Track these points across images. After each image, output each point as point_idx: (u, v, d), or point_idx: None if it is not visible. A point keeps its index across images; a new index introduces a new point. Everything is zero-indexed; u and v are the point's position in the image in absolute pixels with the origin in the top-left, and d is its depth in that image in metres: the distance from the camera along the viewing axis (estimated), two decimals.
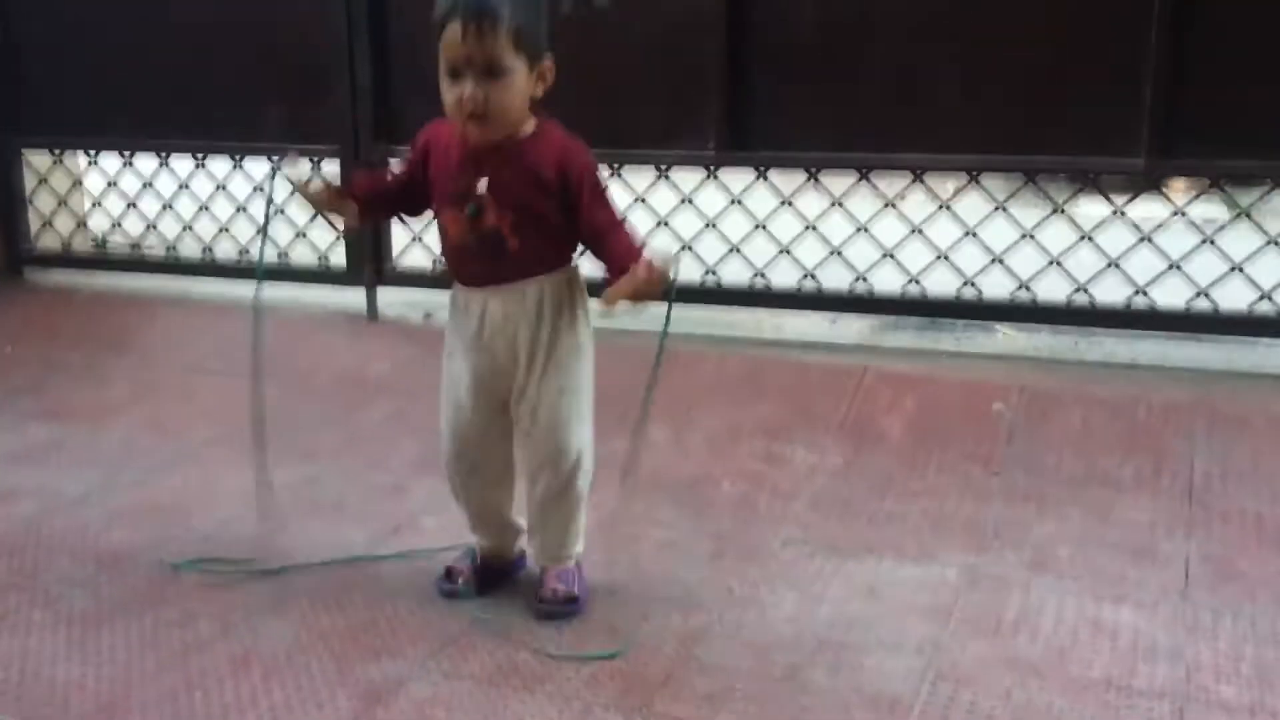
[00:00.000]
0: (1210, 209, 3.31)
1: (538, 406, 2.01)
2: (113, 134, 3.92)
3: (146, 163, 3.96)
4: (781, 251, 3.27)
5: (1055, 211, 3.07)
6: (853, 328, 3.35)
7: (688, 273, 3.35)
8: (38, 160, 4.08)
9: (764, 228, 3.28)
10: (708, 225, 3.33)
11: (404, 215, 2.18)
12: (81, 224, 4.15)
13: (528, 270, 1.96)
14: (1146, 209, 3.15)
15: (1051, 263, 3.04)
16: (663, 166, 3.34)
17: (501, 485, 2.12)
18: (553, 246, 1.98)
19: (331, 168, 3.65)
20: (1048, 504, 2.42)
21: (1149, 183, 3.01)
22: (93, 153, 4.05)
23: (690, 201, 3.33)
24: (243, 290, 3.81)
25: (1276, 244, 2.89)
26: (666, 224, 3.36)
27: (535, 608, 2.07)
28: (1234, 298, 2.93)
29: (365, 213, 2.10)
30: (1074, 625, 1.99)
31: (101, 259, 4.10)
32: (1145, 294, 2.98)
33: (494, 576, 2.16)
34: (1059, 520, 2.35)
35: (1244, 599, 2.06)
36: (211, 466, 2.73)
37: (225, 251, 3.89)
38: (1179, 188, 3.56)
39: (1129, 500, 2.42)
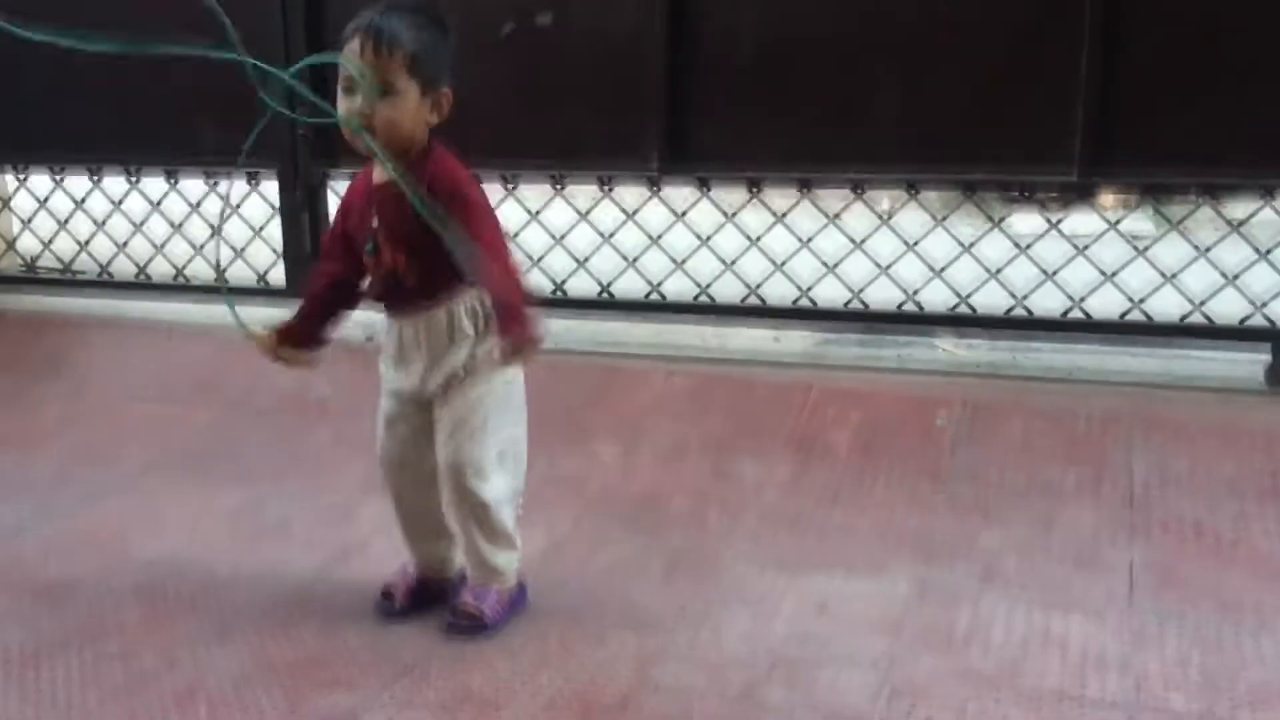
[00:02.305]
0: (1139, 224, 3.39)
1: (451, 424, 2.01)
2: (42, 153, 3.83)
3: (78, 183, 3.87)
4: (726, 268, 3.28)
5: (993, 226, 3.12)
6: (797, 344, 3.37)
7: (631, 289, 3.36)
8: None
9: (707, 244, 3.29)
10: (653, 242, 3.33)
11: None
12: (10, 245, 4.05)
13: (432, 298, 1.99)
14: (1079, 223, 3.22)
15: (991, 276, 3.09)
16: (606, 182, 3.34)
17: (433, 487, 2.09)
18: (448, 274, 1.96)
19: (269, 189, 3.61)
20: (993, 515, 2.45)
21: (1081, 195, 3.08)
22: (20, 172, 3.94)
23: (632, 218, 3.34)
24: (178, 311, 3.75)
25: (1206, 256, 2.96)
26: (610, 241, 3.35)
27: (445, 621, 2.07)
28: (1167, 308, 3.00)
29: (316, 329, 2.08)
30: (1024, 636, 2.02)
31: (31, 279, 4.00)
32: (1081, 306, 3.04)
33: (431, 594, 2.13)
34: (1005, 530, 2.39)
35: (1187, 605, 2.10)
36: (149, 494, 2.67)
37: (160, 271, 3.82)
38: (1109, 203, 3.65)
39: (1072, 509, 2.46)
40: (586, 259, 3.39)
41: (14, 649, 2.03)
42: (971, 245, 3.09)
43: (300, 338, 2.07)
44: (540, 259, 3.41)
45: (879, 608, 2.12)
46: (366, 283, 2.06)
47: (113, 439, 2.98)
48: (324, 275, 2.09)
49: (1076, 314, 3.05)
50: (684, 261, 3.32)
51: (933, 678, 1.90)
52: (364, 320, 3.48)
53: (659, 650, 1.99)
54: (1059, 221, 3.08)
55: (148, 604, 2.17)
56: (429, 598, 2.13)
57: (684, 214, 3.31)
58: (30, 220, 3.97)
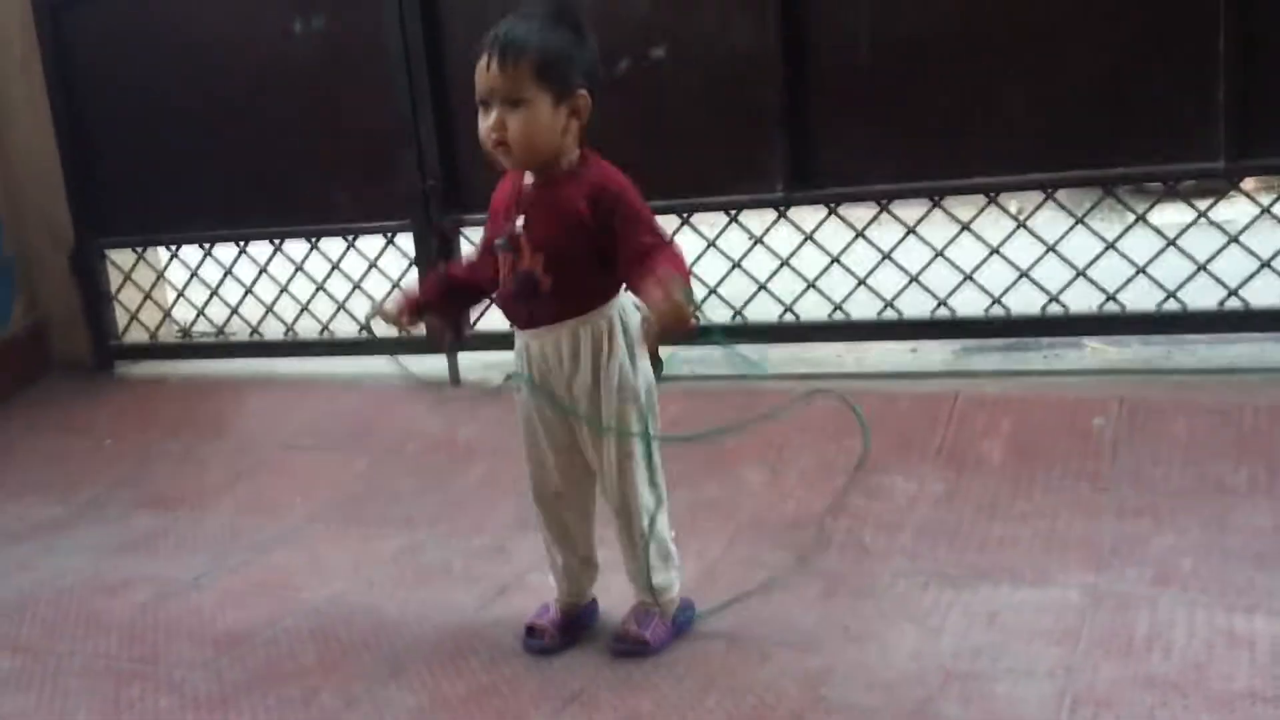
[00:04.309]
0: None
1: (595, 453, 2.03)
2: (192, 226, 4.02)
3: (226, 251, 4.06)
4: (859, 283, 3.25)
5: (1136, 220, 3.02)
6: (935, 354, 3.31)
7: (766, 312, 3.35)
8: (120, 258, 4.20)
9: (839, 261, 3.27)
10: (783, 262, 3.32)
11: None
12: (167, 315, 4.25)
13: (562, 312, 1.97)
14: (1221, 211, 3.09)
15: (1138, 272, 2.98)
16: (732, 210, 3.34)
17: (585, 516, 2.13)
18: (587, 287, 1.97)
19: (405, 243, 3.72)
20: (1162, 516, 2.36)
21: (1229, 185, 2.96)
22: (173, 246, 4.15)
23: (762, 242, 3.34)
24: (326, 366, 3.89)
25: None
26: (740, 266, 3.35)
27: (608, 644, 2.08)
28: None
29: (449, 308, 2.15)
30: (1208, 639, 1.93)
31: (188, 347, 4.19)
32: (1238, 295, 2.92)
33: (574, 627, 2.15)
34: (1177, 532, 2.29)
35: None
36: (315, 541, 2.76)
37: (307, 329, 3.96)
38: (1249, 186, 3.49)
39: (1246, 506, 2.35)
40: (717, 285, 3.40)
41: (202, 693, 2.12)
42: (1116, 240, 3.00)
43: (419, 307, 2.11)
44: None
45: (1051, 617, 2.05)
46: (499, 292, 2.04)
47: (276, 491, 3.10)
48: (465, 267, 2.13)
49: (1233, 305, 2.93)
50: (816, 280, 3.30)
51: (1115, 686, 1.83)
52: (500, 361, 3.59)
53: (826, 669, 1.97)
54: (1209, 209, 2.95)
55: (322, 646, 2.24)
56: (575, 628, 2.15)
57: (812, 233, 3.29)
58: (184, 289, 4.16)
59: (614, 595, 2.21)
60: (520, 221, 1.96)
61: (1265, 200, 2.95)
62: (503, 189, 2.05)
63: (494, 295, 2.09)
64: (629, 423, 2.00)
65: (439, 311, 2.15)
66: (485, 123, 1.91)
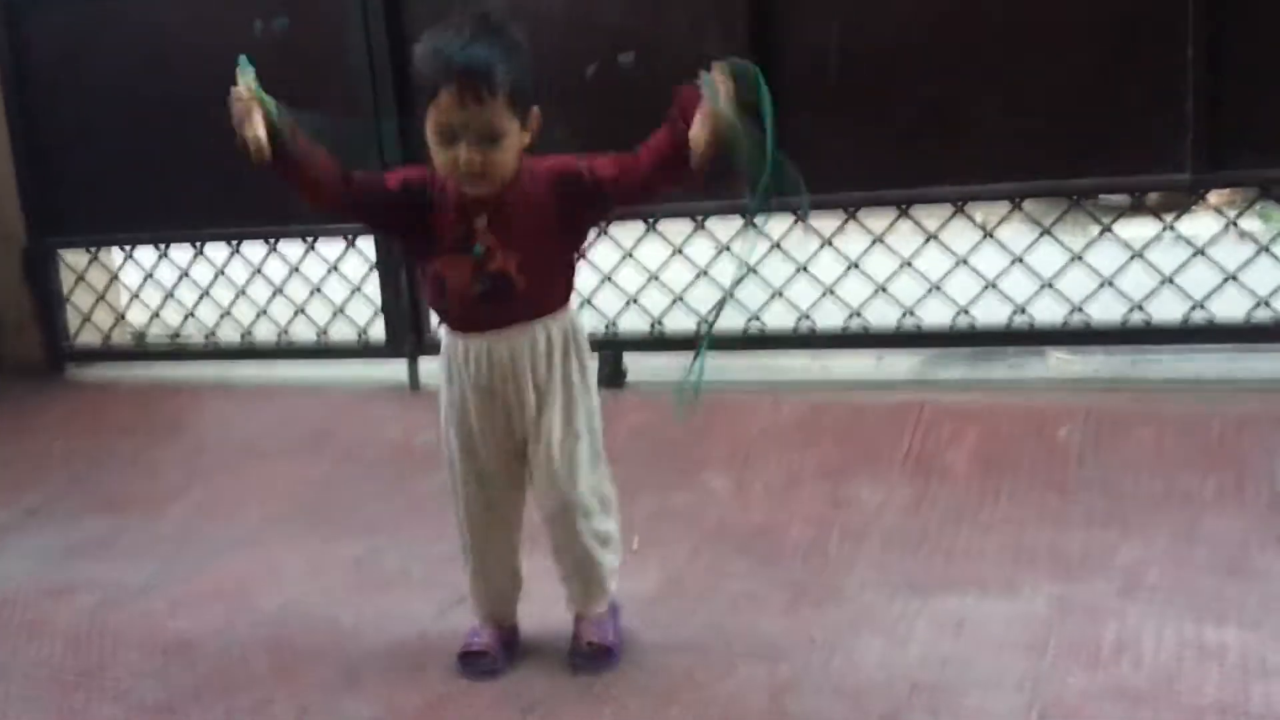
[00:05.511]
0: (1247, 222, 3.25)
1: (550, 451, 1.97)
2: (147, 227, 3.94)
3: (181, 253, 3.97)
4: (826, 292, 3.23)
5: (1102, 231, 3.02)
6: (901, 364, 3.30)
7: (730, 321, 3.32)
8: (73, 258, 4.11)
9: (806, 270, 3.25)
10: (749, 269, 3.28)
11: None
12: (120, 318, 4.16)
13: (533, 311, 1.94)
14: (1187, 225, 3.10)
15: (1104, 283, 2.99)
16: (699, 216, 3.32)
17: (515, 529, 2.08)
18: (557, 285, 1.96)
19: (366, 246, 3.66)
20: (1130, 526, 2.35)
21: (1194, 197, 2.96)
22: (128, 246, 4.07)
23: (729, 249, 3.31)
24: (284, 371, 3.82)
25: None
26: (705, 273, 3.32)
27: (570, 661, 2.02)
28: None
29: (289, 154, 1.84)
30: (1177, 649, 1.92)
31: (141, 351, 4.10)
32: (1204, 308, 2.92)
33: (510, 646, 2.10)
34: (1145, 542, 2.28)
35: None
36: (270, 547, 2.69)
37: (264, 334, 3.89)
38: (1215, 201, 3.51)
39: (1214, 516, 2.34)
40: (681, 294, 3.37)
41: (148, 701, 2.05)
42: (1082, 252, 3.00)
43: (281, 139, 1.83)
44: (636, 294, 3.39)
45: (1018, 627, 2.03)
46: (440, 291, 1.94)
47: (232, 496, 3.02)
48: (352, 177, 1.92)
49: (1198, 317, 2.93)
50: (781, 288, 3.27)
51: (1084, 696, 1.81)
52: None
53: (792, 680, 1.94)
54: (1174, 220, 2.96)
55: (275, 655, 2.18)
56: (511, 648, 2.09)
57: (778, 241, 3.26)
58: (139, 291, 4.08)
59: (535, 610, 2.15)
60: (483, 221, 1.90)
61: (1231, 213, 2.96)
62: (437, 184, 1.91)
63: (440, 299, 1.98)
64: (589, 420, 1.99)
65: (284, 150, 1.84)
66: (453, 155, 1.81)
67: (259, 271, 3.85)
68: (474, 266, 1.91)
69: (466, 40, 1.80)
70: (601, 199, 1.92)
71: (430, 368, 3.60)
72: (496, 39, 1.82)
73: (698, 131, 1.77)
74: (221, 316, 3.94)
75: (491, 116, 1.80)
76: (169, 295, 4.01)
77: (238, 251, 3.87)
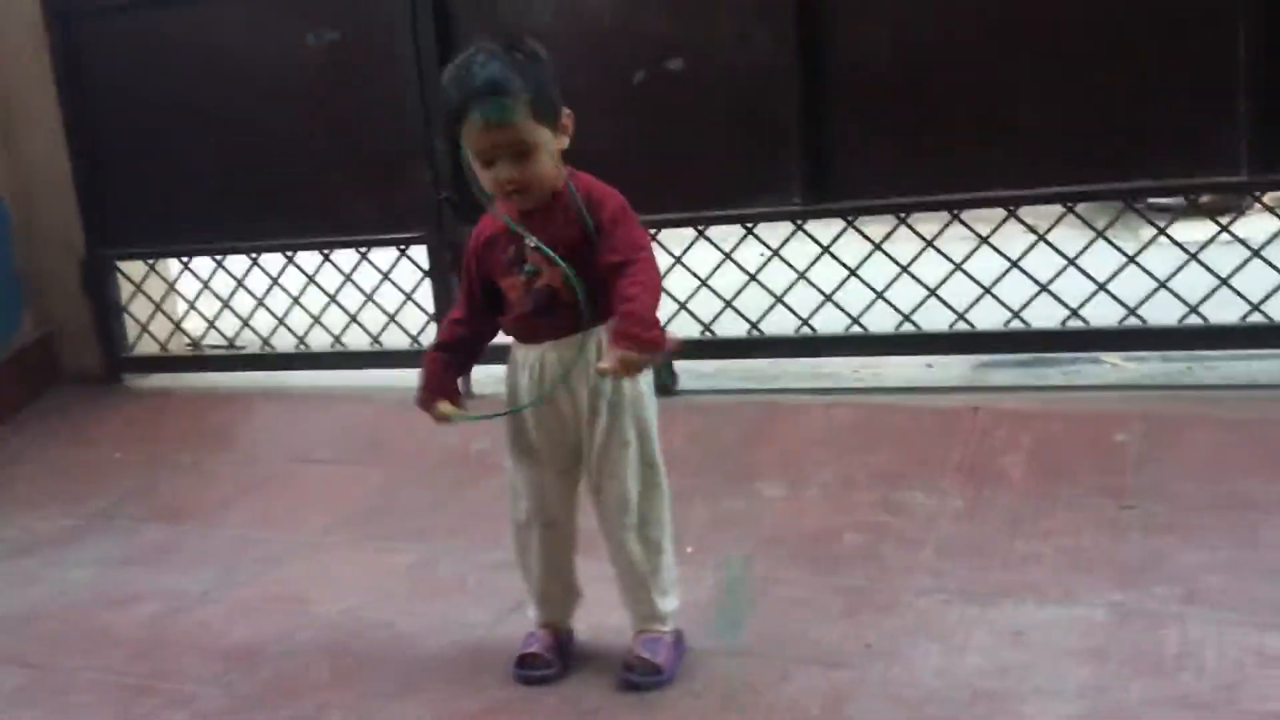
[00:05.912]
0: None
1: (603, 460, 1.99)
2: (203, 238, 3.99)
3: (237, 263, 4.03)
4: (877, 297, 3.22)
5: (1158, 235, 2.99)
6: (953, 369, 3.28)
7: (781, 325, 3.32)
8: (130, 269, 4.18)
9: (856, 275, 3.24)
10: (800, 275, 3.28)
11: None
12: (177, 327, 4.23)
13: (584, 321, 1.96)
14: (1243, 227, 3.05)
15: (1160, 286, 2.95)
16: (748, 224, 3.32)
17: (571, 542, 2.10)
18: (605, 295, 1.95)
19: (419, 255, 3.69)
20: (1190, 533, 2.32)
21: (1251, 198, 2.92)
22: (184, 257, 4.13)
23: (779, 255, 3.31)
24: (339, 379, 3.85)
25: None
26: (756, 279, 3.32)
27: (619, 676, 2.02)
28: None
29: (461, 373, 2.14)
30: (1239, 658, 1.90)
31: (198, 359, 4.16)
32: (1261, 310, 2.88)
33: (565, 653, 2.11)
34: (1205, 549, 2.25)
35: None
36: (327, 554, 2.73)
37: (319, 342, 3.93)
38: (1270, 201, 3.46)
39: (1275, 522, 2.31)
40: (733, 298, 3.37)
41: (211, 709, 2.08)
42: (1137, 255, 2.96)
43: (453, 394, 2.08)
44: (686, 301, 3.40)
45: (1078, 635, 2.02)
46: (510, 312, 2.02)
47: (288, 503, 3.07)
48: (463, 327, 2.08)
49: (1255, 319, 2.89)
50: (833, 294, 3.27)
51: (1145, 705, 1.80)
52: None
53: (849, 687, 1.93)
54: (1230, 223, 2.92)
55: (334, 661, 2.21)
56: (566, 654, 2.10)
57: (829, 246, 3.26)
58: (195, 301, 4.14)
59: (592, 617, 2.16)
60: (532, 242, 1.95)
61: None
62: (482, 232, 2.03)
63: (504, 321, 2.05)
64: (642, 428, 2.01)
65: (451, 386, 2.10)
66: (493, 175, 1.90)
67: (313, 280, 3.90)
68: (525, 284, 1.97)
69: (480, 65, 1.87)
70: (590, 247, 1.93)
71: (482, 374, 3.62)
72: (509, 56, 1.88)
73: (613, 363, 1.86)
74: (277, 325, 3.99)
75: (519, 133, 1.87)
76: (225, 305, 4.07)
77: (292, 261, 3.92)
